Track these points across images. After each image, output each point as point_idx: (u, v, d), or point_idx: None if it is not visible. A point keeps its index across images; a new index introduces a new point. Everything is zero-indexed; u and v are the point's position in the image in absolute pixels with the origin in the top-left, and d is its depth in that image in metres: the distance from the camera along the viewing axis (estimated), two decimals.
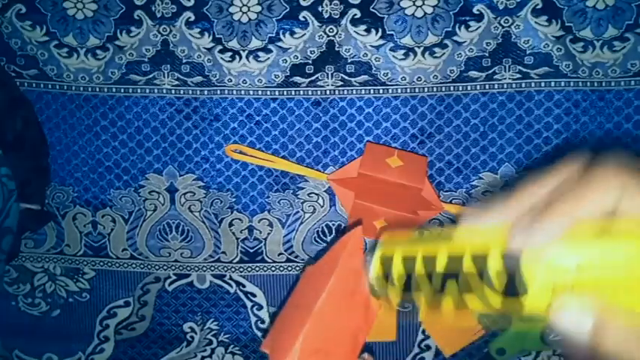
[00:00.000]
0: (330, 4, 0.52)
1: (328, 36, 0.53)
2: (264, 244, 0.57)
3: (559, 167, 0.22)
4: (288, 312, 0.32)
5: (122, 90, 0.55)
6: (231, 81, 0.54)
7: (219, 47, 0.54)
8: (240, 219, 0.57)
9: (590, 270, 0.19)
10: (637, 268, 0.19)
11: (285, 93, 0.54)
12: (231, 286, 0.58)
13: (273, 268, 0.57)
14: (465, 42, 0.52)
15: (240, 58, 0.54)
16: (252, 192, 0.56)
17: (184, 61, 0.54)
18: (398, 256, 0.27)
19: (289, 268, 0.57)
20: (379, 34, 0.52)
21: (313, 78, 0.54)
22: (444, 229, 0.26)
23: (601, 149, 0.53)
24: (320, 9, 0.53)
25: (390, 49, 0.53)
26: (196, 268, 0.58)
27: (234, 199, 0.56)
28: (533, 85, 0.52)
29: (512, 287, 0.21)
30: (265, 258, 0.57)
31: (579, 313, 0.19)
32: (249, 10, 0.53)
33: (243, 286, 0.58)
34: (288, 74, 0.54)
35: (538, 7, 0.51)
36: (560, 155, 0.53)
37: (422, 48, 0.52)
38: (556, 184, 0.22)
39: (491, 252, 0.22)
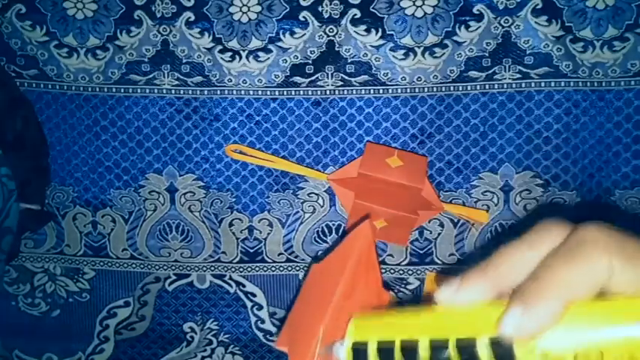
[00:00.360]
0: (330, 4, 0.52)
1: (328, 36, 0.53)
2: (264, 244, 0.57)
3: (537, 233, 0.21)
4: (300, 309, 0.32)
5: (122, 90, 0.55)
6: (231, 81, 0.54)
7: (219, 47, 0.54)
8: (240, 219, 0.57)
9: (589, 358, 0.18)
10: (638, 352, 0.18)
11: (285, 93, 0.54)
12: (231, 286, 0.58)
13: (273, 268, 0.57)
14: (465, 42, 0.52)
15: (240, 58, 0.54)
16: (252, 192, 0.56)
17: (184, 61, 0.54)
18: (373, 345, 0.23)
19: (289, 268, 0.57)
20: (379, 34, 0.52)
21: (313, 78, 0.54)
22: (423, 309, 0.23)
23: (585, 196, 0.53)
24: (320, 9, 0.53)
25: (390, 49, 0.53)
26: (196, 268, 0.58)
27: (234, 199, 0.56)
28: (533, 85, 0.52)
29: None
30: (265, 258, 0.57)
31: None
32: (249, 10, 0.53)
33: (243, 286, 0.58)
34: (288, 74, 0.54)
35: (538, 7, 0.51)
36: (560, 155, 0.53)
37: (422, 48, 0.52)
38: (537, 254, 0.20)
39: (480, 339, 0.20)
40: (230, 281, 0.58)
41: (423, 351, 0.21)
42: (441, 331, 0.21)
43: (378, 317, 0.25)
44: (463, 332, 0.21)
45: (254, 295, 0.58)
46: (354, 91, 0.54)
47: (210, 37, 0.54)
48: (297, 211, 0.56)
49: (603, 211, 0.54)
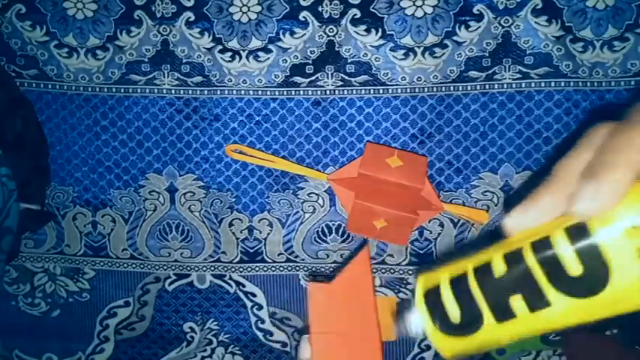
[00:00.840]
0: (330, 4, 0.52)
1: (328, 36, 0.53)
2: (264, 244, 0.57)
3: (588, 137, 0.21)
4: (331, 341, 0.28)
5: (122, 90, 0.55)
6: (231, 81, 0.54)
7: (219, 47, 0.54)
8: (240, 219, 0.57)
9: None
10: None
11: (285, 93, 0.54)
12: (231, 286, 0.58)
13: (273, 268, 0.57)
14: (465, 42, 0.52)
15: (240, 58, 0.54)
16: (252, 192, 0.56)
17: (184, 61, 0.54)
18: (445, 281, 0.22)
19: (289, 268, 0.57)
20: (379, 34, 0.52)
21: (313, 78, 0.54)
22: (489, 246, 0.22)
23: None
24: (320, 9, 0.53)
25: (390, 49, 0.53)
26: (196, 268, 0.58)
27: (234, 199, 0.56)
28: (533, 85, 0.52)
29: (591, 273, 0.18)
30: (265, 258, 0.57)
31: None
32: (249, 10, 0.53)
33: (243, 286, 0.58)
34: (288, 74, 0.54)
35: (538, 7, 0.51)
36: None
37: (422, 48, 0.52)
38: (592, 151, 0.20)
39: (554, 233, 0.19)
40: (230, 281, 0.58)
41: (498, 266, 0.20)
42: (513, 245, 0.20)
43: (443, 267, 0.23)
44: (536, 236, 0.20)
45: (254, 295, 0.58)
46: (354, 91, 0.54)
47: (210, 37, 0.54)
48: (297, 211, 0.56)
49: None
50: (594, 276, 0.18)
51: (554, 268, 0.19)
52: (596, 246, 0.18)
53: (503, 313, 0.20)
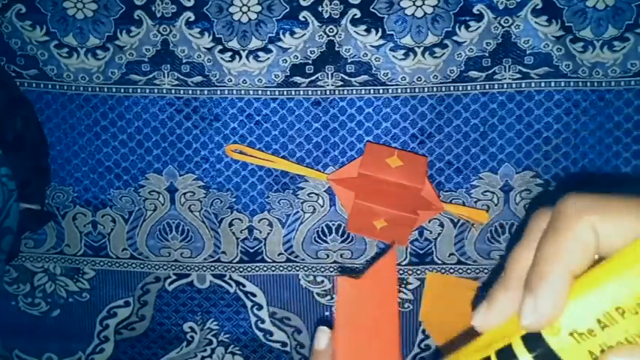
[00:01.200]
0: (330, 4, 0.52)
1: (328, 36, 0.53)
2: (264, 244, 0.57)
3: (530, 227, 0.21)
4: (356, 336, 0.30)
5: (122, 90, 0.55)
6: (231, 81, 0.54)
7: (219, 47, 0.54)
8: (240, 219, 0.57)
9: (612, 320, 0.18)
10: None
11: (285, 93, 0.54)
12: (231, 286, 0.58)
13: (273, 268, 0.57)
14: (465, 42, 0.52)
15: (240, 58, 0.54)
16: (252, 192, 0.56)
17: (184, 61, 0.54)
18: None
19: (289, 268, 0.57)
20: (379, 34, 0.52)
21: (313, 78, 0.54)
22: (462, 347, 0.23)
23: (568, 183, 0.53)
24: (320, 9, 0.53)
25: (390, 49, 0.53)
26: (196, 268, 0.58)
27: (234, 199, 0.56)
28: (533, 85, 0.52)
29: None
30: (265, 258, 0.57)
31: None
32: (249, 10, 0.53)
33: (243, 285, 0.58)
34: (288, 74, 0.54)
35: (538, 7, 0.51)
36: (560, 155, 0.53)
37: (422, 48, 0.52)
38: (535, 242, 0.21)
39: (514, 342, 0.20)
40: (230, 281, 0.58)
41: None
42: (482, 352, 0.22)
43: None
44: (499, 343, 0.21)
45: (254, 295, 0.58)
46: (354, 91, 0.54)
47: (210, 37, 0.54)
48: (297, 211, 0.56)
49: None
50: None
51: None
52: (552, 353, 0.19)
53: None
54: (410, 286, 0.57)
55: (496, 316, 0.22)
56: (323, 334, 0.28)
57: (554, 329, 0.19)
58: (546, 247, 0.20)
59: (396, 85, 0.53)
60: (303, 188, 0.56)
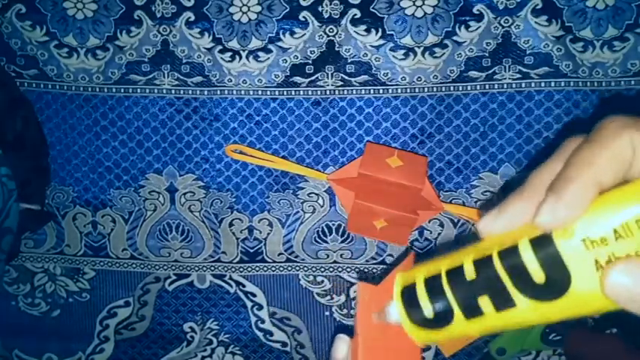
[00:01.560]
0: (330, 4, 0.52)
1: (328, 36, 0.53)
2: (264, 244, 0.57)
3: (564, 147, 0.21)
4: (377, 343, 0.28)
5: (122, 90, 0.55)
6: (231, 81, 0.54)
7: (219, 47, 0.54)
8: (240, 219, 0.57)
9: (628, 232, 0.18)
10: None
11: (285, 93, 0.54)
12: (231, 286, 0.58)
13: (273, 268, 0.57)
14: (465, 42, 0.52)
15: (240, 58, 0.54)
16: (252, 192, 0.56)
17: (184, 61, 0.54)
18: (420, 280, 0.25)
19: (289, 268, 0.57)
20: (379, 34, 0.52)
21: (313, 78, 0.54)
22: (464, 246, 0.24)
23: None
24: (320, 9, 0.53)
25: (390, 49, 0.53)
26: (196, 268, 0.58)
27: (234, 199, 0.56)
28: (533, 85, 0.52)
29: (553, 280, 0.20)
30: (265, 258, 0.57)
31: (634, 280, 0.18)
32: (249, 10, 0.53)
33: (243, 286, 0.58)
34: (288, 74, 0.54)
35: (538, 7, 0.51)
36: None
37: (422, 48, 0.52)
38: (564, 161, 0.20)
39: (521, 242, 0.20)
40: (230, 281, 0.58)
41: (469, 270, 0.22)
42: (484, 252, 0.22)
43: (421, 265, 0.26)
44: (504, 244, 0.21)
45: (254, 295, 0.58)
46: (354, 91, 0.54)
47: (210, 37, 0.54)
48: (297, 211, 0.56)
49: None
50: (556, 283, 0.20)
51: (519, 275, 0.21)
52: (559, 256, 0.20)
53: (472, 312, 0.22)
54: None
55: (504, 223, 0.21)
56: (342, 343, 0.27)
57: (566, 232, 0.19)
58: (580, 154, 0.20)
59: (396, 85, 0.53)
60: (303, 188, 0.56)
